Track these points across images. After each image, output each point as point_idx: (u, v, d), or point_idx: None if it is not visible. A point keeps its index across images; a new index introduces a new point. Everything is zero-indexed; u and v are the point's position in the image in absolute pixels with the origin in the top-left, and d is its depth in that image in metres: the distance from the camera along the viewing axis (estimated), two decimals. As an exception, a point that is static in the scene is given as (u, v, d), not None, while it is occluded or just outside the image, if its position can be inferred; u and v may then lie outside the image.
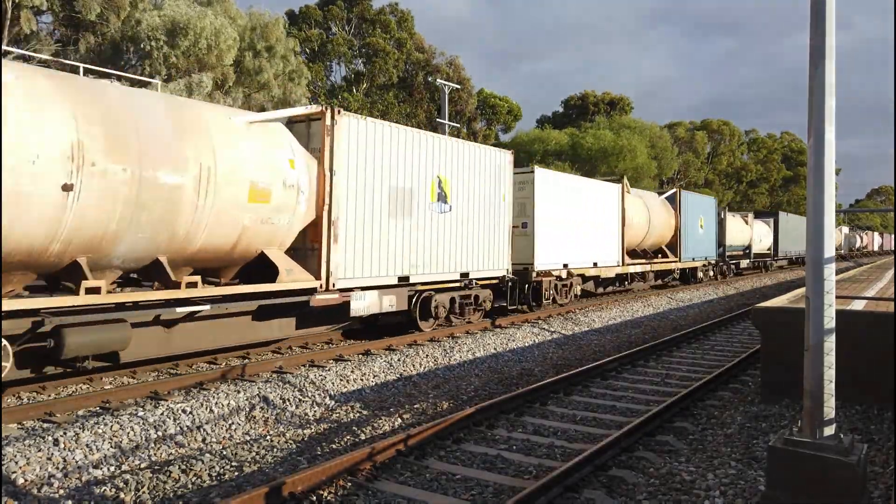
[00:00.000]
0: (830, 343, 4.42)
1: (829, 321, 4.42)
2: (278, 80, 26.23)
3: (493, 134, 47.38)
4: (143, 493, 5.35)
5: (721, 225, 28.30)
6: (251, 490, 5.01)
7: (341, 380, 8.98)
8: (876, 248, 74.05)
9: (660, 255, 23.44)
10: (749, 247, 32.16)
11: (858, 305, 8.66)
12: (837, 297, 4.93)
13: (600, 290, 19.85)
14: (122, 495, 5.28)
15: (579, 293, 17.88)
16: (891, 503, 4.78)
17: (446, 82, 33.30)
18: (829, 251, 4.43)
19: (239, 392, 7.88)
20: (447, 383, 9.52)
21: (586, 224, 17.72)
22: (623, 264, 19.78)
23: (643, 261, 21.90)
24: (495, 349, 11.78)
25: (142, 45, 21.27)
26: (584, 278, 18.13)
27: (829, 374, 4.40)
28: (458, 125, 40.35)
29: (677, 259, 23.74)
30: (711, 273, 27.57)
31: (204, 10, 22.43)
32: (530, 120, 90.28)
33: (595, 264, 18.19)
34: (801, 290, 9.92)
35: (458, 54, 61.88)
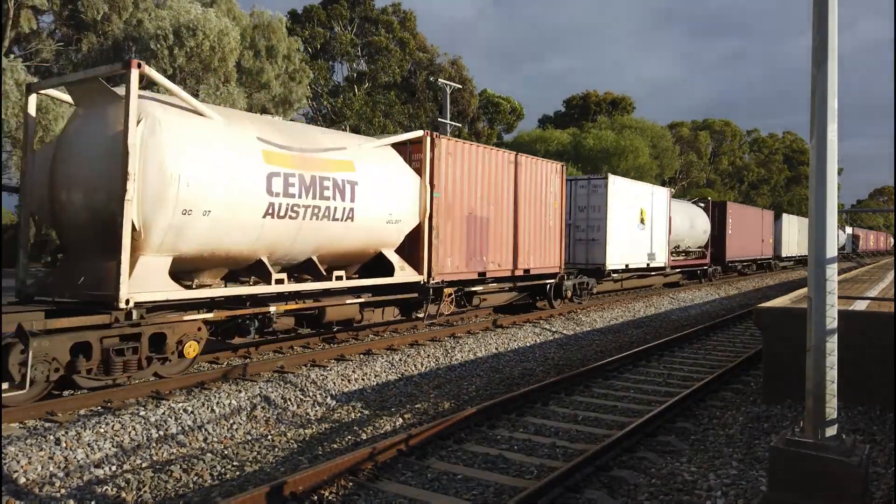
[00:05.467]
0: (832, 343, 4.41)
1: (831, 321, 4.41)
2: (280, 79, 26.21)
3: (496, 133, 47.33)
4: (145, 492, 5.36)
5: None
6: (252, 490, 5.01)
7: (343, 379, 8.98)
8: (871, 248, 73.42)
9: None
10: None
11: (861, 306, 8.64)
12: (839, 298, 4.92)
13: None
14: (123, 494, 5.29)
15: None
16: (893, 504, 4.77)
17: (448, 82, 33.27)
18: (832, 251, 4.43)
19: (240, 392, 7.88)
20: (449, 383, 9.52)
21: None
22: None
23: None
24: (497, 349, 11.78)
25: (150, 45, 21.23)
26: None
27: (831, 374, 4.40)
28: (460, 125, 40.33)
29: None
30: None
31: (207, 10, 22.39)
32: (532, 120, 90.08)
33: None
34: (804, 291, 9.89)
35: (460, 54, 61.89)
